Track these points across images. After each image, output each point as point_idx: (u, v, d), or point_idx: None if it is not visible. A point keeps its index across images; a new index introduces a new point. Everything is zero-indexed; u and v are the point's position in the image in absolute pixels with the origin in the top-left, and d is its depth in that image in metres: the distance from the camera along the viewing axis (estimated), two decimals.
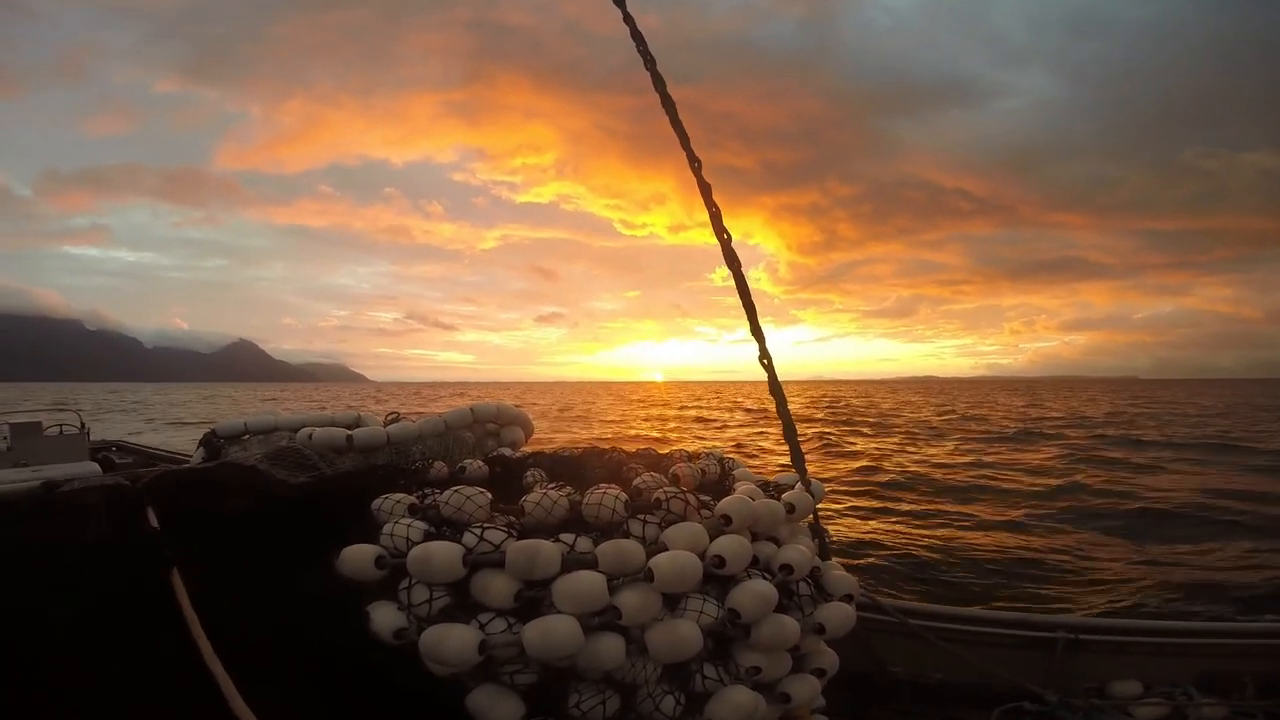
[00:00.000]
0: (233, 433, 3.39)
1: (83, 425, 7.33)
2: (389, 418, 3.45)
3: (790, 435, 2.53)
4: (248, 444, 3.34)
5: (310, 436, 2.90)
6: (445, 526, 1.91)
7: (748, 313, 2.51)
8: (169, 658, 1.54)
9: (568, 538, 1.81)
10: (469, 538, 1.78)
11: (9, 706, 1.45)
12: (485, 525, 1.82)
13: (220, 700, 1.44)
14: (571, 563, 1.74)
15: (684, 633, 1.74)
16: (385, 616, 1.74)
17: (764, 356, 2.54)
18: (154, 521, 1.89)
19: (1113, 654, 2.92)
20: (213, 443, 3.36)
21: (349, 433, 2.94)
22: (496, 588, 1.72)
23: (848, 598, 2.11)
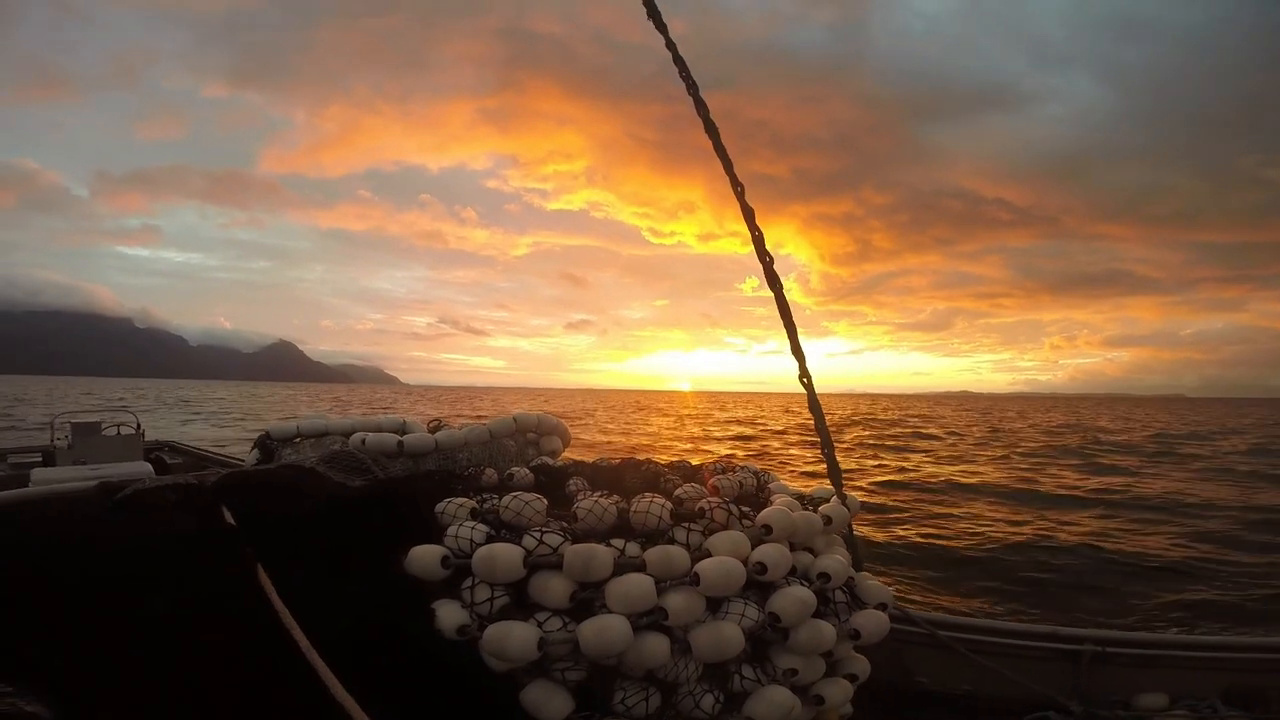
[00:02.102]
0: (285, 435, 3.57)
1: (139, 426, 7.64)
2: (432, 424, 3.61)
3: (828, 450, 2.63)
4: (300, 447, 3.51)
5: (363, 441, 3.05)
6: (504, 529, 2.04)
7: (789, 333, 2.61)
8: (265, 650, 1.67)
9: (618, 543, 1.95)
10: (529, 540, 1.91)
11: (112, 697, 1.57)
12: (543, 529, 1.95)
13: (321, 690, 1.56)
14: (623, 566, 1.87)
15: (727, 634, 1.86)
16: (450, 614, 1.87)
17: (804, 375, 2.64)
18: (230, 519, 2.03)
19: (1139, 667, 2.97)
20: (267, 445, 3.54)
21: (400, 438, 3.09)
22: (554, 588, 1.85)
23: (882, 606, 2.22)
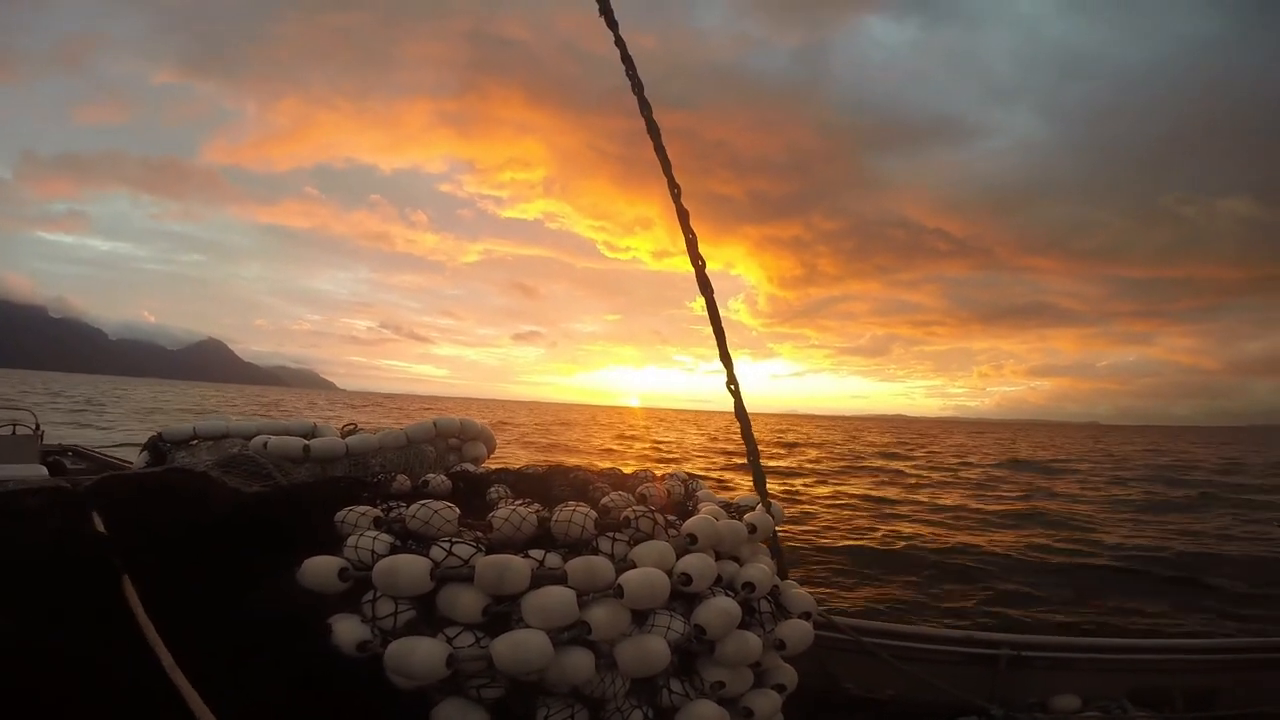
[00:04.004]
0: (180, 437, 3.27)
1: (37, 426, 6.86)
2: (346, 428, 3.38)
3: (753, 459, 2.61)
4: (196, 450, 3.23)
5: (265, 445, 2.83)
6: (411, 540, 1.89)
7: (717, 339, 2.59)
8: (124, 670, 1.47)
9: (536, 554, 1.83)
10: (437, 551, 1.77)
11: None
12: (453, 539, 1.81)
13: (186, 714, 1.38)
14: (541, 578, 1.76)
15: (653, 648, 1.78)
16: (348, 629, 1.71)
17: (731, 382, 2.62)
18: (100, 527, 1.81)
19: (1053, 670, 3.11)
20: (158, 447, 3.24)
21: (306, 442, 2.87)
22: (464, 602, 1.72)
23: (806, 615, 2.19)
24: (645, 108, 2.63)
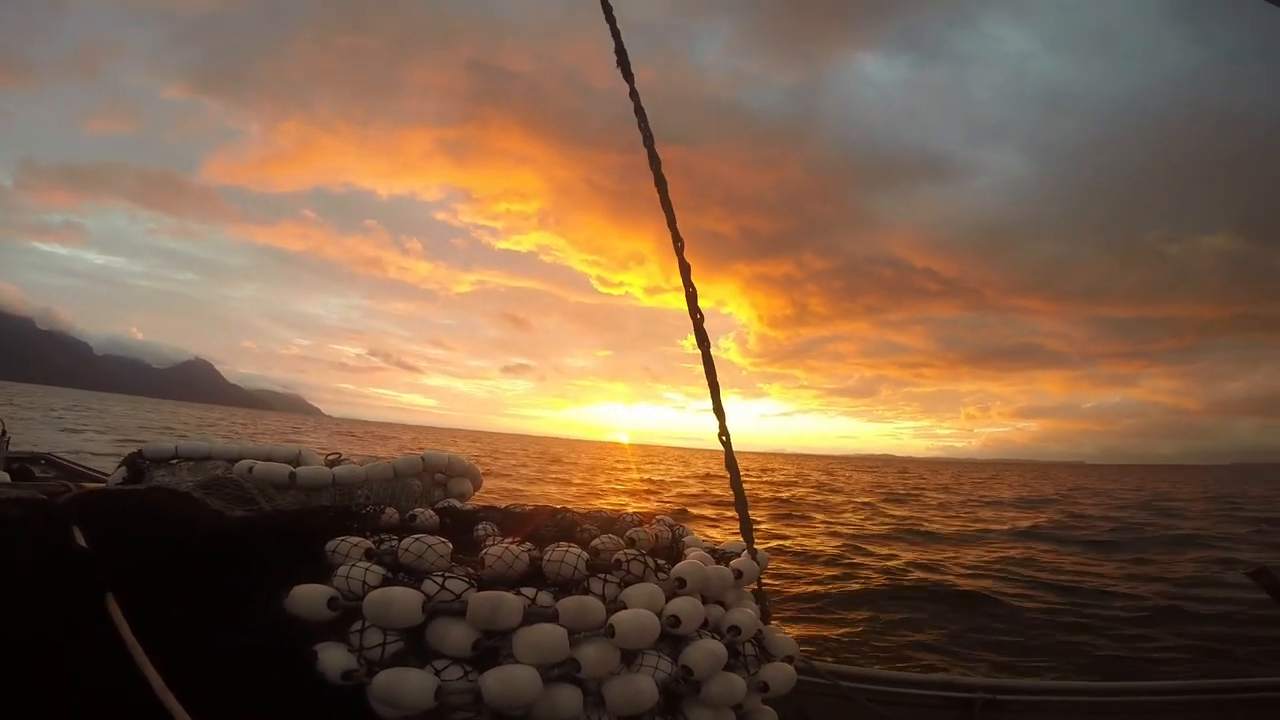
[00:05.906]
0: (161, 456, 3.21)
1: (3, 432, 6.61)
2: (330, 457, 3.35)
3: (741, 507, 2.66)
4: (176, 469, 3.17)
5: (250, 470, 2.80)
6: (402, 573, 1.90)
7: (712, 392, 2.66)
8: (112, 691, 1.45)
9: (528, 592, 1.85)
10: (429, 585, 1.78)
11: None
12: (446, 574, 1.83)
13: None
14: (533, 616, 1.78)
15: (641, 686, 1.80)
16: (334, 658, 1.70)
17: (723, 434, 2.69)
18: (81, 542, 1.79)
19: (1028, 713, 3.14)
20: (137, 464, 3.17)
21: (293, 470, 2.85)
22: (454, 636, 1.73)
23: (789, 659, 2.22)
24: (655, 162, 2.71)
